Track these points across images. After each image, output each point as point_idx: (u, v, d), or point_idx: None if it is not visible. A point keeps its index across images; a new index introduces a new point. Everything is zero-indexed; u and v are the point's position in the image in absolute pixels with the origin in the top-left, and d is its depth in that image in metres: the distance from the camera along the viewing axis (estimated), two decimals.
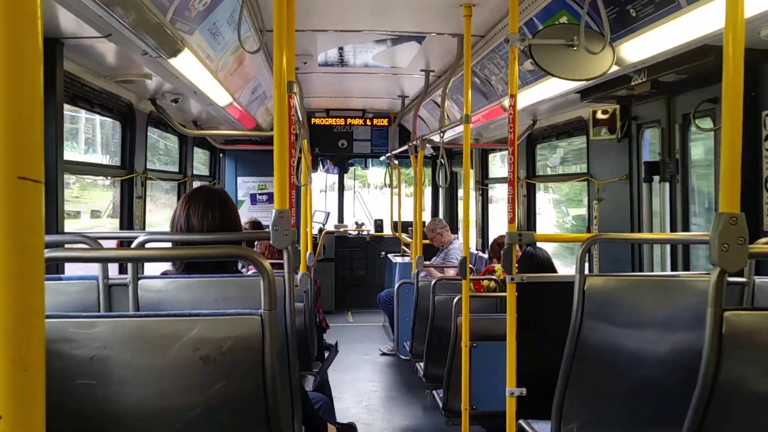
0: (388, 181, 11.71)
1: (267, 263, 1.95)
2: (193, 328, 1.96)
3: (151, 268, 4.12)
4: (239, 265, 3.14)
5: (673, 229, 5.00)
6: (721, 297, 1.92)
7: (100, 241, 3.09)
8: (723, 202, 1.90)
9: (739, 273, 3.04)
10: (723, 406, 1.98)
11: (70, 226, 4.96)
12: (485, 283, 6.13)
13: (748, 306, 3.06)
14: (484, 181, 10.20)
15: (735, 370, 1.97)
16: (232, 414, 2.02)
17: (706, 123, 4.59)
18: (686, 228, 4.95)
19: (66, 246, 3.43)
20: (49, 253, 1.99)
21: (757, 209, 3.95)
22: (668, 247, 5.08)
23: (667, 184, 5.03)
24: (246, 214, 10.45)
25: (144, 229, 6.03)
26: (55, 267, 3.79)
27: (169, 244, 3.36)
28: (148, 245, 3.08)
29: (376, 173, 14.20)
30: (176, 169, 8.04)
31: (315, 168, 11.86)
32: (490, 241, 9.81)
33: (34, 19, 0.71)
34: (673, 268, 5.03)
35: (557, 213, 8.71)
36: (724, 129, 1.91)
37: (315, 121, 11.74)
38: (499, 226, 9.75)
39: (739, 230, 1.87)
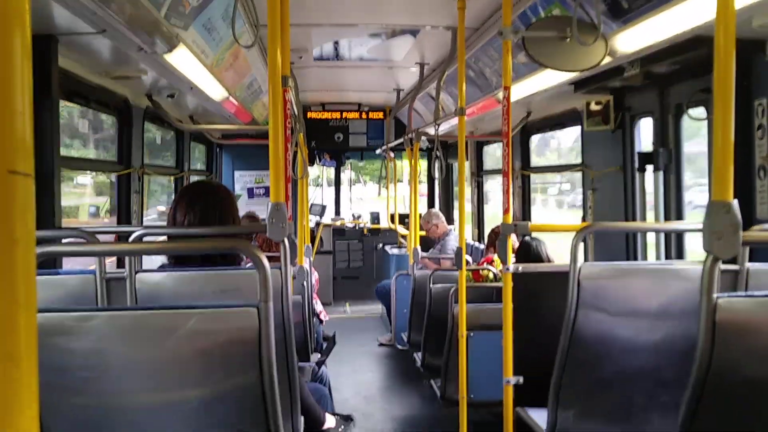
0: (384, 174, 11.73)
1: (262, 255, 1.96)
2: (189, 320, 1.97)
3: (152, 263, 4.14)
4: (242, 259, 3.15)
5: (666, 218, 5.02)
6: (713, 284, 1.94)
7: (97, 235, 3.10)
8: (715, 190, 1.91)
9: (733, 260, 3.06)
10: (718, 393, 1.99)
11: None
12: (484, 273, 6.15)
13: (743, 293, 3.08)
14: (479, 173, 10.21)
15: (729, 357, 1.98)
16: (231, 406, 2.03)
17: (700, 113, 4.60)
18: (680, 217, 4.98)
19: (63, 241, 3.45)
20: (46, 248, 2.00)
21: (750, 197, 3.97)
22: (662, 235, 5.10)
23: (661, 174, 5.05)
24: (243, 207, 10.41)
25: (141, 224, 6.03)
26: (52, 261, 3.80)
27: (166, 238, 3.37)
28: (145, 239, 3.10)
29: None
30: (173, 164, 8.04)
31: (312, 162, 11.86)
32: (486, 231, 9.86)
33: (22, 12, 0.72)
34: (667, 256, 5.06)
35: None
36: (716, 118, 1.92)
37: (311, 115, 11.73)
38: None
39: (731, 218, 1.88)
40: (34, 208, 0.73)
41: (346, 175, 14.14)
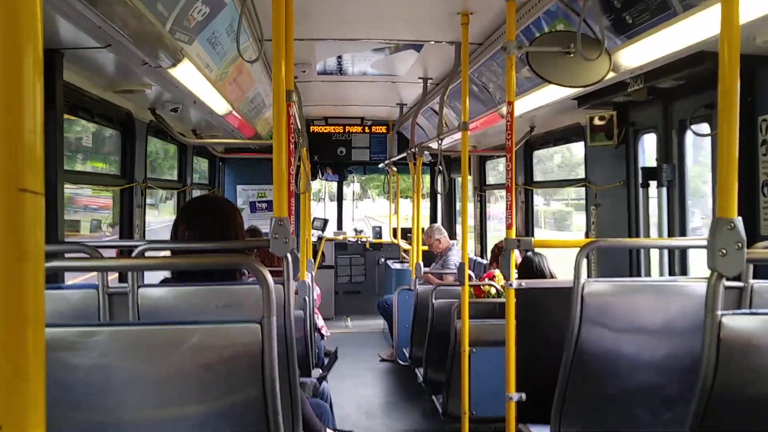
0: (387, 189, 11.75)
1: (266, 271, 1.96)
2: (192, 336, 1.96)
3: (153, 278, 4.13)
4: (244, 273, 3.14)
5: (670, 234, 5.01)
6: (717, 302, 1.93)
7: (100, 250, 3.10)
8: (720, 206, 1.91)
9: (737, 277, 3.05)
10: (721, 411, 1.98)
11: None
12: (486, 288, 6.14)
13: (747, 310, 3.07)
14: (482, 188, 10.22)
15: (733, 375, 1.97)
16: (233, 422, 2.03)
17: (704, 128, 4.61)
18: (683, 233, 4.97)
19: (66, 255, 3.44)
20: (49, 263, 2.00)
21: (754, 214, 3.96)
22: (666, 251, 5.09)
23: (665, 190, 5.04)
24: (246, 222, 10.40)
25: (144, 238, 6.03)
26: (55, 276, 3.79)
27: (169, 253, 3.36)
28: (147, 254, 3.09)
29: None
30: (176, 178, 8.05)
31: (314, 176, 11.88)
32: (488, 246, 9.87)
33: (34, 30, 0.72)
34: (671, 273, 5.05)
35: None
36: (721, 134, 1.92)
37: (314, 129, 11.75)
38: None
39: (736, 235, 1.88)
40: (44, 225, 0.73)
41: (352, 188, 14.12)
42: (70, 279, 5.74)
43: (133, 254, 2.99)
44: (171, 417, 2.02)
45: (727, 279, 1.94)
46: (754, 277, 3.11)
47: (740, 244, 1.87)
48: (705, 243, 1.92)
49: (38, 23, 0.73)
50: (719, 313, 1.94)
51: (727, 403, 1.99)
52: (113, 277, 4.58)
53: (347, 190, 13.46)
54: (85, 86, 4.70)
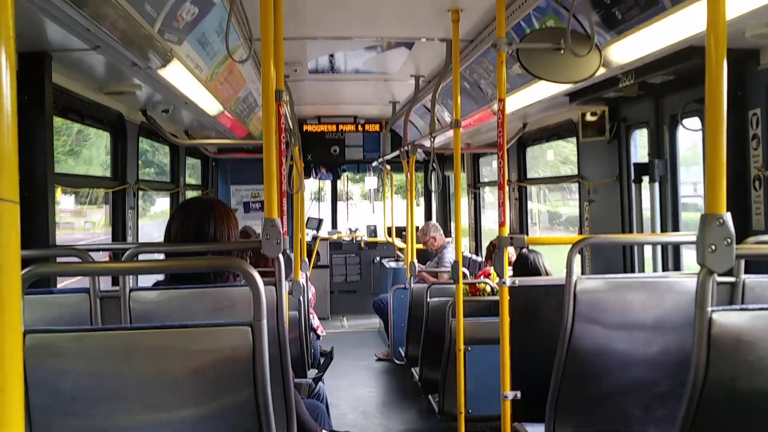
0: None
1: (255, 272, 1.95)
2: (183, 339, 1.96)
3: (147, 279, 4.12)
4: (238, 275, 3.13)
5: (663, 230, 5.01)
6: (708, 297, 1.92)
7: (92, 253, 3.09)
8: (708, 202, 1.90)
9: (729, 273, 3.04)
10: (713, 406, 1.98)
11: None
12: (481, 286, 6.13)
13: (738, 306, 3.06)
14: (476, 185, 10.22)
15: (724, 370, 1.97)
16: (225, 424, 2.02)
17: (694, 123, 4.61)
18: (676, 228, 4.97)
19: (57, 260, 3.43)
20: (36, 269, 1.98)
21: (745, 208, 3.96)
22: (659, 247, 5.10)
23: (657, 185, 5.04)
24: (240, 222, 10.38)
25: (137, 240, 6.01)
26: (46, 281, 3.78)
27: (161, 255, 3.35)
28: (140, 257, 3.08)
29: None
30: (169, 179, 8.03)
31: (308, 175, 11.87)
32: (483, 244, 9.88)
33: (5, 32, 0.71)
34: (665, 268, 5.05)
35: None
36: (709, 129, 1.92)
37: (307, 128, 11.74)
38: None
39: (725, 231, 1.87)
40: (19, 233, 0.73)
41: (372, 183, 14.08)
42: (66, 281, 5.73)
43: (123, 257, 2.98)
44: (162, 421, 2.01)
45: (719, 274, 1.94)
46: (746, 272, 3.10)
47: (729, 240, 1.87)
48: (695, 239, 1.92)
49: (10, 24, 0.72)
50: (709, 309, 1.93)
51: (719, 399, 1.98)
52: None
53: (356, 189, 13.47)
54: (75, 88, 4.69)
